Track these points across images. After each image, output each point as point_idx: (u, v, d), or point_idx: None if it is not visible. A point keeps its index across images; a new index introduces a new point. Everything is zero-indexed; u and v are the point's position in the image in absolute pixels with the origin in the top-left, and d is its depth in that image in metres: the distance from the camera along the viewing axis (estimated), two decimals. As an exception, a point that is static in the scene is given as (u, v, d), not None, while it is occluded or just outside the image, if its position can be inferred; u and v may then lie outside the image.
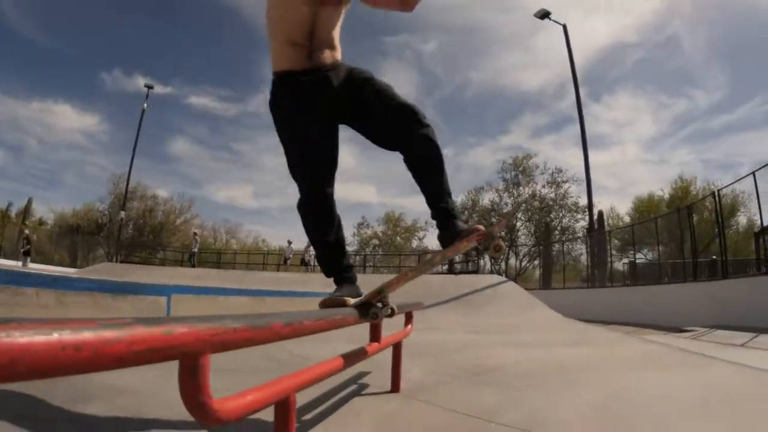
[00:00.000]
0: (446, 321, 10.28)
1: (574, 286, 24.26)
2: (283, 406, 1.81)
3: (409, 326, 4.08)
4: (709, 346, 8.36)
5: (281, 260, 30.19)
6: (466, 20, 68.30)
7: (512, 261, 34.64)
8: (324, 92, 2.69)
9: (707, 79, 61.48)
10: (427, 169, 2.81)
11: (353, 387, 3.88)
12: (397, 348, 3.78)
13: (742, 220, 29.32)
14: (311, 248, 25.28)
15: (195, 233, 31.49)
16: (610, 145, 66.03)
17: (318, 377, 2.07)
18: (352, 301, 2.83)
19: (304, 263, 27.21)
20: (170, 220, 46.31)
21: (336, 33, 2.74)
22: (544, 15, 27.37)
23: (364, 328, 3.11)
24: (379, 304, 2.84)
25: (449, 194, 2.85)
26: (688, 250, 16.10)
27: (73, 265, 33.42)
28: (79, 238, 39.28)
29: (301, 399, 3.27)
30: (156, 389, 3.07)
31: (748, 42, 59.18)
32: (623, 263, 24.81)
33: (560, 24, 27.61)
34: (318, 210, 3.02)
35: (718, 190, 14.85)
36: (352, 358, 2.53)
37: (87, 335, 0.77)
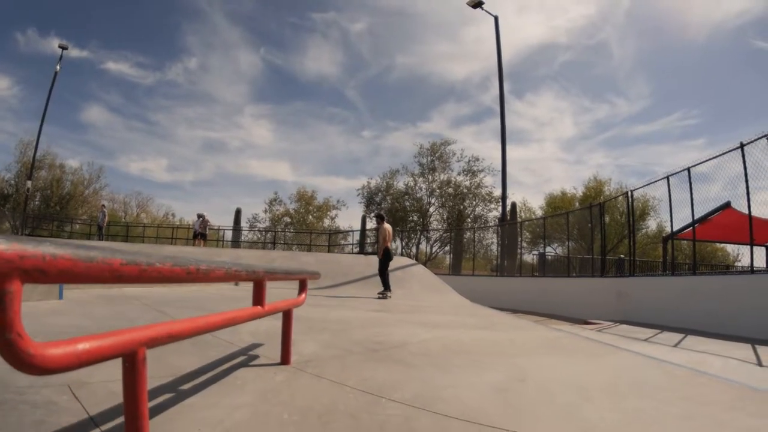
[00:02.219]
0: (355, 299, 10.21)
1: (483, 274, 24.80)
2: (131, 359, 1.51)
3: (303, 295, 3.81)
4: (613, 338, 8.69)
5: (190, 234, 29.30)
6: (400, 3, 68.11)
7: (423, 246, 35.25)
8: None
9: (630, 89, 64.57)
10: None
11: (243, 358, 3.65)
12: (287, 317, 3.51)
13: (651, 224, 31.11)
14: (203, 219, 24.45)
15: (103, 206, 30.09)
16: (530, 141, 68.19)
17: (175, 333, 1.76)
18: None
19: (195, 235, 26.73)
20: (78, 191, 43.63)
21: None
22: (477, 4, 27.54)
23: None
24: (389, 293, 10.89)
25: None
26: (598, 246, 16.82)
27: (-26, 239, 30.54)
28: None
29: (183, 366, 2.94)
30: None
31: (675, 61, 62.85)
32: (533, 255, 25.81)
33: (492, 15, 27.92)
34: None
35: (631, 191, 15.50)
36: (223, 319, 2.23)
37: None
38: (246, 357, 3.68)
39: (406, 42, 68.99)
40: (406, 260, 17.30)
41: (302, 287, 3.87)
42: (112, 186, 52.96)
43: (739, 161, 9.75)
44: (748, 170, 9.66)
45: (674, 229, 13.22)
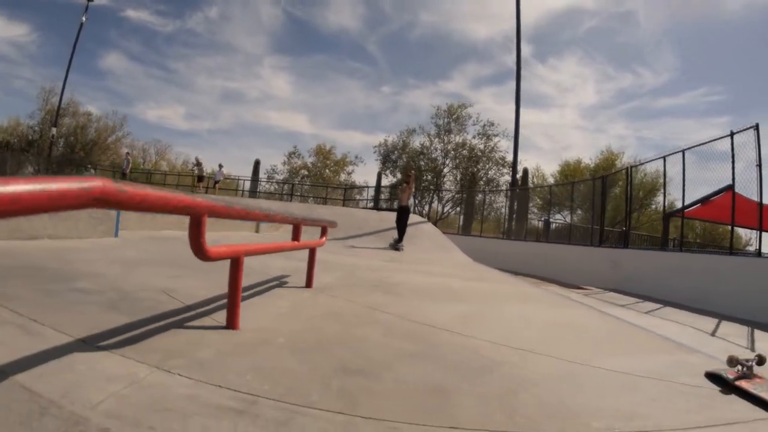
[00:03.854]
0: (366, 250, 11.60)
1: (491, 236, 26.10)
2: (236, 262, 2.86)
3: (324, 238, 5.21)
4: (593, 301, 9.89)
5: (212, 183, 30.54)
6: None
7: (435, 204, 36.64)
8: None
9: (657, 60, 63.79)
10: None
11: (277, 283, 5.01)
12: (312, 253, 4.88)
13: (661, 200, 31.85)
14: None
15: (127, 153, 31.60)
16: (551, 106, 68.54)
17: (259, 249, 3.14)
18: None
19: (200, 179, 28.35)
20: (102, 138, 45.22)
21: None
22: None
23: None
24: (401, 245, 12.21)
25: None
26: (601, 215, 17.94)
27: (-2, 183, 31.97)
28: (8, 155, 37.72)
29: (246, 282, 4.29)
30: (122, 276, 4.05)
31: (705, 35, 61.79)
32: (540, 221, 26.94)
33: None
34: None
35: (631, 167, 16.77)
36: (281, 245, 3.61)
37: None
38: (279, 282, 5.02)
39: (429, -1, 68.29)
40: (417, 218, 18.54)
41: (323, 233, 5.26)
42: (132, 133, 54.51)
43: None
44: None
45: (672, 207, 14.23)
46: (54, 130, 36.44)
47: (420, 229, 16.00)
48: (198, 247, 2.38)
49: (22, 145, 41.09)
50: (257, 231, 13.45)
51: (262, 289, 4.49)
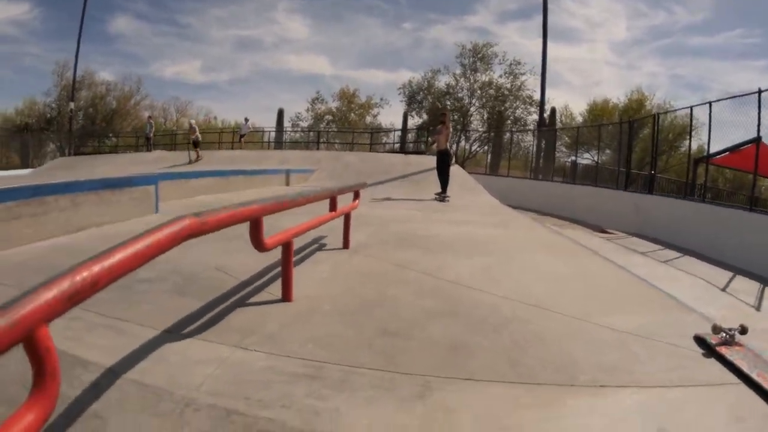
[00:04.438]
0: (395, 200, 12.04)
1: (519, 176, 26.36)
2: (287, 246, 3.44)
3: (357, 201, 5.80)
4: (615, 247, 10.35)
5: (237, 137, 30.54)
6: None
7: (463, 143, 36.74)
8: None
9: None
10: None
11: (316, 245, 5.61)
12: (347, 217, 5.48)
13: (693, 145, 31.56)
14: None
15: (149, 117, 31.61)
16: (580, 41, 66.44)
17: (304, 229, 3.74)
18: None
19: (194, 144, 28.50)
20: (121, 105, 45.20)
21: None
22: None
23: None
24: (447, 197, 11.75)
25: None
26: (631, 160, 18.05)
27: (24, 165, 32.66)
28: (29, 137, 38.23)
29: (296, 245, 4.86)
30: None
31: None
32: (567, 162, 27.02)
33: None
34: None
35: (657, 114, 16.86)
36: (321, 219, 4.21)
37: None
38: (318, 245, 5.62)
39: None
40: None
41: (356, 196, 5.82)
42: (149, 93, 54.57)
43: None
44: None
45: (701, 153, 14.31)
46: (72, 105, 36.82)
47: (447, 172, 16.36)
48: (257, 243, 2.97)
49: (41, 125, 41.45)
50: (287, 184, 14.09)
51: (306, 253, 5.10)
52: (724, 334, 3.21)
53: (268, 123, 39.50)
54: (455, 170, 17.15)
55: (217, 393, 2.23)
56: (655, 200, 14.93)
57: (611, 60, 66.00)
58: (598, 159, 23.93)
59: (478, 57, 37.74)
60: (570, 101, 73.49)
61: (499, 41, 62.03)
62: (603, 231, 13.92)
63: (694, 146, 29.63)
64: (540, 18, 30.78)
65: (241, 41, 71.36)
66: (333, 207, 4.95)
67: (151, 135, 27.96)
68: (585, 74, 66.70)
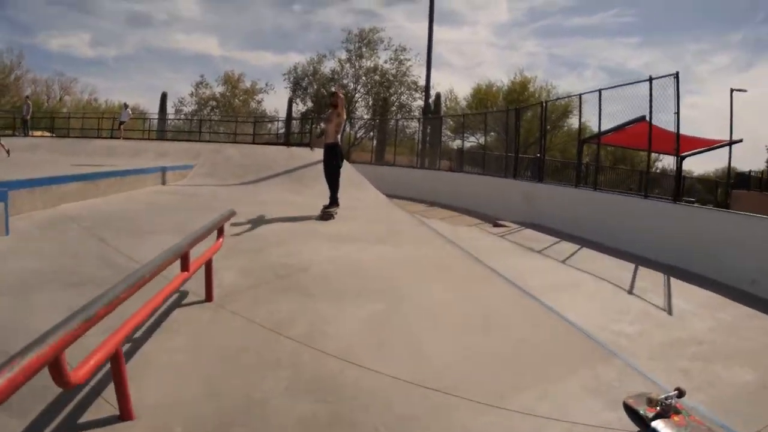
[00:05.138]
0: (275, 201, 10.83)
1: (405, 164, 26.01)
2: (114, 359, 2.63)
3: (220, 239, 4.87)
4: (511, 246, 10.08)
5: (116, 125, 28.30)
6: None
7: (348, 130, 36.05)
8: None
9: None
10: None
11: (174, 299, 4.58)
12: (208, 264, 4.55)
13: (574, 122, 33.05)
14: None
15: (27, 97, 28.34)
16: (463, 24, 68.12)
17: (141, 319, 2.86)
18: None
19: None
20: (0, 80, 40.68)
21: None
22: None
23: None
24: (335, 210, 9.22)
25: None
26: (515, 147, 18.24)
27: None
28: None
29: (140, 298, 3.93)
30: None
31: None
32: (455, 147, 27.20)
33: None
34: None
35: (545, 102, 17.34)
36: (165, 291, 3.30)
37: None
38: (176, 297, 4.65)
39: None
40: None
41: (219, 233, 4.88)
42: (34, 67, 48.90)
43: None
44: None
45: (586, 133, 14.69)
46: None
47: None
48: (62, 382, 2.17)
49: None
50: (164, 183, 12.61)
51: (156, 316, 4.12)
52: (659, 406, 2.90)
53: (153, 105, 36.78)
54: (343, 165, 16.33)
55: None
56: (547, 189, 15.00)
57: (492, 41, 68.29)
58: (485, 146, 24.06)
59: (363, 42, 37.45)
60: (454, 82, 75.51)
61: (386, 25, 61.96)
62: (496, 224, 13.71)
63: (577, 125, 31.23)
64: (426, 1, 31.00)
65: (134, 16, 66.98)
66: (185, 265, 3.91)
67: (28, 117, 25.31)
68: (467, 56, 68.62)
